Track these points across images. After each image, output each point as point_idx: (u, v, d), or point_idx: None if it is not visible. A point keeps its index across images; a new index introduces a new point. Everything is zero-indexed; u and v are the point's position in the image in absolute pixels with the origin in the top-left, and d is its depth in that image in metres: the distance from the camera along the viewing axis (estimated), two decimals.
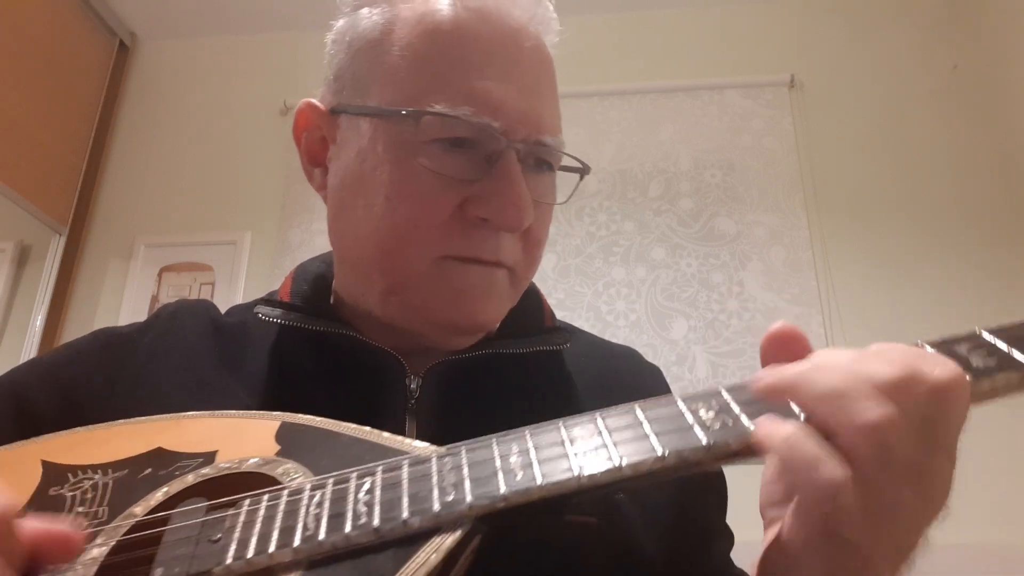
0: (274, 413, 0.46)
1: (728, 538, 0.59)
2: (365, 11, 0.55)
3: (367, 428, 0.43)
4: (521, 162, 0.51)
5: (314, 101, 0.57)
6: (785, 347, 0.38)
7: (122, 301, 2.08)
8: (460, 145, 0.50)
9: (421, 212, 0.50)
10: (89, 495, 0.41)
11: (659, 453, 0.34)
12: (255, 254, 2.10)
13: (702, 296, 1.94)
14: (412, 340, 0.54)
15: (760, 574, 0.40)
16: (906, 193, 1.98)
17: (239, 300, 2.03)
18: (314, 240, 2.07)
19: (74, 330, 2.07)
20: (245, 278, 2.07)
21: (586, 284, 1.98)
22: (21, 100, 1.98)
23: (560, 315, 0.66)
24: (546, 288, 1.96)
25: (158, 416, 0.47)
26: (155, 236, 2.15)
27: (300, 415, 0.45)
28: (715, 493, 0.60)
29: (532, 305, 0.62)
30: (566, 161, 0.57)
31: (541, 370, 0.59)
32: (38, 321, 2.03)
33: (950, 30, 2.13)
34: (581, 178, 0.58)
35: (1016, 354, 0.34)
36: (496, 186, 0.50)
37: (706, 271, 1.96)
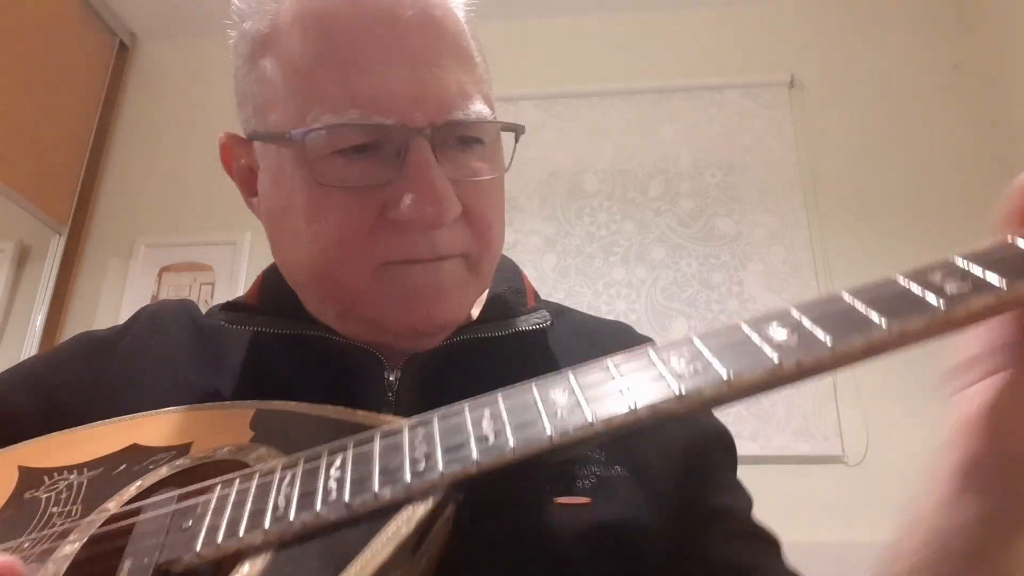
0: (249, 402, 0.45)
1: (743, 498, 0.55)
2: (247, 24, 0.51)
3: (341, 408, 0.42)
4: (439, 145, 0.47)
5: (233, 132, 0.54)
6: None
7: (122, 301, 2.08)
8: (363, 150, 0.46)
9: (342, 231, 0.47)
10: (64, 495, 0.41)
11: (632, 407, 0.33)
12: (255, 254, 2.10)
13: (702, 296, 1.94)
14: (383, 345, 0.53)
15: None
16: (906, 193, 1.98)
17: None
18: None
19: (74, 330, 2.06)
20: (245, 278, 2.07)
21: (586, 284, 1.98)
22: (21, 100, 1.98)
23: None
24: (546, 288, 1.96)
25: (135, 414, 0.47)
26: (155, 236, 2.15)
27: (275, 402, 0.44)
28: (722, 453, 0.57)
29: (513, 287, 0.60)
30: (495, 128, 0.52)
31: (524, 351, 0.56)
32: (38, 321, 2.03)
33: (951, 29, 2.13)
34: (517, 139, 0.53)
35: (990, 276, 0.33)
36: (408, 184, 0.46)
37: (706, 271, 1.96)
